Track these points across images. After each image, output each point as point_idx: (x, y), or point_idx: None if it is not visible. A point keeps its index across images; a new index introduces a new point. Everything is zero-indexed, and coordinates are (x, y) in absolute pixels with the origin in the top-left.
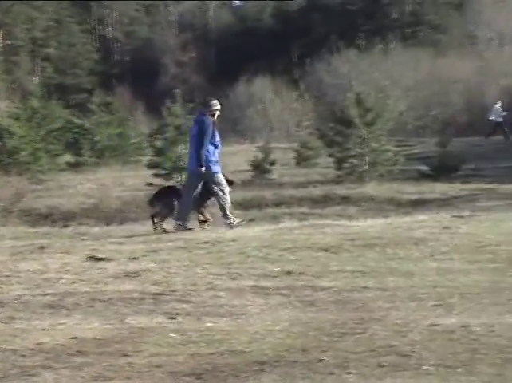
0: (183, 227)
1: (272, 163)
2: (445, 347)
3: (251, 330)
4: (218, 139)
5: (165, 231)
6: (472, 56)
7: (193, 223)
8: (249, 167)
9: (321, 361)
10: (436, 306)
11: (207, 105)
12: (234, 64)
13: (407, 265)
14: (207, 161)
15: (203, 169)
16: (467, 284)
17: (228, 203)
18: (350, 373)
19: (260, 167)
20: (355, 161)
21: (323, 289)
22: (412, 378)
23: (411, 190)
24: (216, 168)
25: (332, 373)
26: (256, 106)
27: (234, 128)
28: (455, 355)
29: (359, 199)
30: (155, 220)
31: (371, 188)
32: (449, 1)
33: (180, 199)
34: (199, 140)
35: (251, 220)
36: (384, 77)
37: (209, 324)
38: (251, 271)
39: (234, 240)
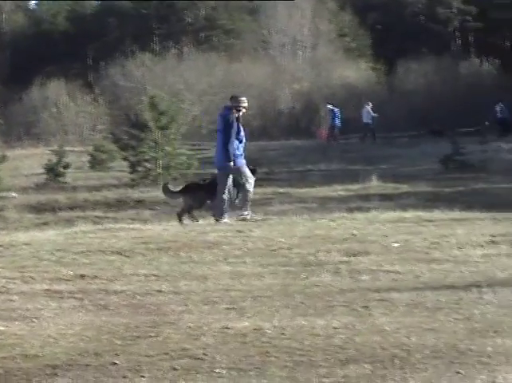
0: (221, 220)
1: (66, 167)
2: (237, 350)
3: (44, 334)
4: (242, 133)
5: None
6: (265, 61)
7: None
8: (42, 171)
9: (114, 364)
10: (229, 309)
11: (236, 101)
12: (28, 67)
13: (200, 268)
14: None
15: (232, 164)
16: (260, 287)
17: (251, 196)
18: (143, 377)
19: (54, 171)
20: (148, 165)
21: (116, 292)
22: (205, 381)
23: None
24: (240, 162)
25: (125, 377)
26: (50, 109)
27: (28, 132)
28: (248, 358)
29: (153, 203)
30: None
31: None
32: (242, 6)
33: (211, 194)
34: (224, 135)
35: (45, 224)
36: (178, 82)
37: (1, 328)
38: (44, 275)
39: (27, 244)
